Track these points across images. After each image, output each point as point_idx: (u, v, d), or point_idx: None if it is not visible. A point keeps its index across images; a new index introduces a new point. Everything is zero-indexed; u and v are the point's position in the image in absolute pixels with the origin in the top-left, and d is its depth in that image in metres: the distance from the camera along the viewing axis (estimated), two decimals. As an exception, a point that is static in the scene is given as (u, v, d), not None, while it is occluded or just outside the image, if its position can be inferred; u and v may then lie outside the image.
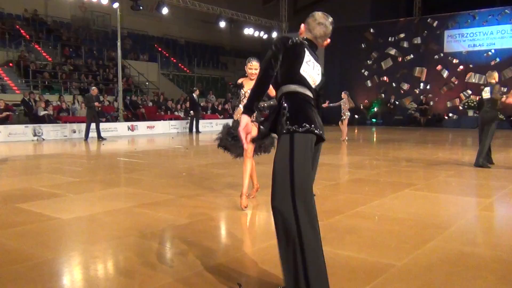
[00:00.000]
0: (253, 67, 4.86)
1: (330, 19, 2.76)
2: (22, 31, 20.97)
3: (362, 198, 5.43)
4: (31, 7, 22.07)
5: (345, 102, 13.59)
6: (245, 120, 2.49)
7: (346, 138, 13.68)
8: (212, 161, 9.10)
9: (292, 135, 2.45)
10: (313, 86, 2.64)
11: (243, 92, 4.91)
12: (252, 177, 5.24)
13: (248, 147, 4.56)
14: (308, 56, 2.61)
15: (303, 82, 2.59)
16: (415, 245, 3.58)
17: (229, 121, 5.36)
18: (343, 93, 13.83)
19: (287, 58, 2.55)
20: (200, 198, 5.53)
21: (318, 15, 2.74)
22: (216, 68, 28.78)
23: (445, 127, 20.82)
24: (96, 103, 14.36)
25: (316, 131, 2.50)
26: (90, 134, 14.38)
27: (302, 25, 2.78)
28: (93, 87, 15.04)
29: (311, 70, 2.61)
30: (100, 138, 14.36)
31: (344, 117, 13.68)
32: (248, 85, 4.88)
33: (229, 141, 5.11)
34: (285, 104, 2.53)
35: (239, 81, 5.05)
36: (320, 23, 2.71)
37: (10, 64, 18.85)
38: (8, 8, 21.33)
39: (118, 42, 17.76)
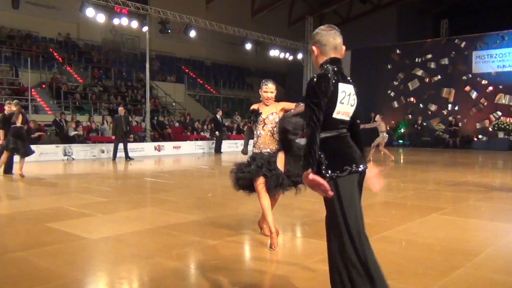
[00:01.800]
0: (269, 90, 4.45)
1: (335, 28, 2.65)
2: (55, 53, 21.72)
3: (388, 222, 5.35)
4: (64, 30, 22.88)
5: (380, 125, 13.73)
6: (311, 179, 2.34)
7: (392, 158, 14.01)
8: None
9: (336, 181, 2.42)
10: (347, 119, 2.54)
11: (262, 119, 4.42)
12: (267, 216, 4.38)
13: (259, 179, 4.28)
14: (342, 92, 2.48)
15: (336, 124, 2.50)
16: (444, 272, 3.50)
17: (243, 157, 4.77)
18: (377, 116, 13.97)
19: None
20: (225, 220, 5.55)
21: (321, 28, 2.63)
22: (241, 89, 29.09)
23: (474, 148, 20.38)
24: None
25: (359, 169, 2.49)
26: (118, 154, 14.64)
27: (315, 49, 2.60)
28: (120, 107, 15.38)
29: (345, 107, 2.49)
30: (127, 158, 14.61)
31: (381, 140, 13.91)
32: (265, 111, 4.45)
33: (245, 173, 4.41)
34: (321, 154, 2.44)
35: (254, 107, 4.57)
36: (329, 32, 2.58)
37: (43, 86, 19.49)
38: (43, 32, 22.16)
39: (147, 64, 18.18)
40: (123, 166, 13.07)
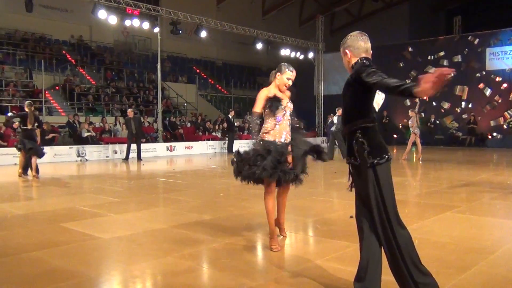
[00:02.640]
0: (293, 77, 4.26)
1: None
2: (68, 56, 21.95)
3: (402, 220, 5.30)
4: (77, 33, 23.11)
5: (413, 120, 13.67)
6: None
7: (421, 157, 13.85)
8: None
9: (375, 168, 2.70)
10: (377, 109, 2.84)
11: (282, 106, 4.17)
12: (280, 219, 4.58)
13: (271, 181, 4.15)
14: None
15: (372, 113, 2.75)
16: (458, 271, 3.47)
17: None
18: (410, 111, 13.95)
19: (363, 92, 2.69)
20: (237, 219, 5.56)
21: (353, 34, 2.89)
22: (253, 88, 29.07)
23: (488, 147, 20.14)
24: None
25: (391, 156, 2.78)
26: (131, 155, 14.76)
27: (348, 52, 2.83)
28: (129, 110, 15.51)
29: (377, 97, 2.81)
30: (140, 159, 14.72)
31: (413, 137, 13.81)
32: (283, 98, 4.24)
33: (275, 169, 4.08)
34: (363, 140, 2.71)
35: (268, 93, 4.22)
36: (361, 37, 2.84)
37: (57, 88, 19.71)
38: (56, 35, 22.41)
39: (158, 65, 18.28)
40: (136, 167, 13.16)
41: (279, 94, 4.23)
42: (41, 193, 8.35)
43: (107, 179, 10.14)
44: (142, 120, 18.53)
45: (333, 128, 14.73)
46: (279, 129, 4.19)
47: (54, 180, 10.00)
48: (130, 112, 14.96)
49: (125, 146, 15.11)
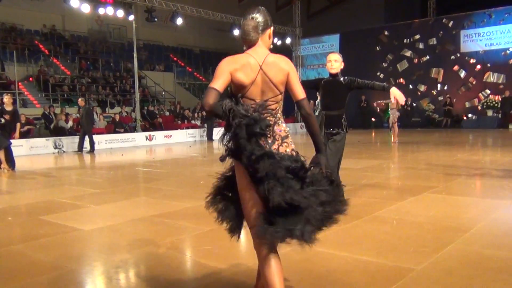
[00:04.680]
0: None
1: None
2: (41, 46, 21.46)
3: (380, 202, 5.41)
4: (49, 22, 22.59)
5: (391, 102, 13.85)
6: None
7: (397, 140, 13.94)
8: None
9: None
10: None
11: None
12: None
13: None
14: None
15: None
16: (435, 249, 3.56)
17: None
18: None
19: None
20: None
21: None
22: (231, 75, 28.99)
23: (464, 128, 20.55)
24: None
25: None
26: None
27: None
28: (79, 99, 15.02)
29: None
30: (80, 150, 14.45)
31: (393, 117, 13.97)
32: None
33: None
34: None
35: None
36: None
37: (30, 79, 19.28)
38: (27, 24, 21.85)
39: (134, 53, 18.04)
40: (116, 157, 13.03)
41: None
42: (19, 186, 8.21)
43: (86, 171, 10.04)
44: (121, 109, 18.28)
45: (316, 113, 14.75)
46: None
47: (32, 173, 9.84)
48: (80, 102, 14.60)
49: (102, 136, 14.93)
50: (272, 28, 2.54)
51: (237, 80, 2.40)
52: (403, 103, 5.36)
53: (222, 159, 2.39)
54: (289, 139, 2.46)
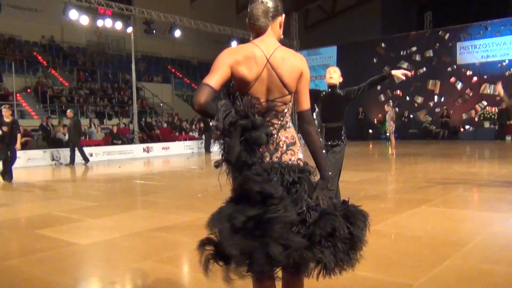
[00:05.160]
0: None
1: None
2: (39, 57, 21.52)
3: (378, 215, 5.39)
4: (48, 33, 22.65)
5: (390, 114, 13.92)
6: None
7: (395, 152, 13.88)
8: (227, 181, 9.13)
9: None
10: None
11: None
12: None
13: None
14: None
15: None
16: (432, 264, 3.55)
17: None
18: (386, 105, 14.18)
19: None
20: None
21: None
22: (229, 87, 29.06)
23: (461, 139, 20.61)
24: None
25: None
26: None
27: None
28: (68, 110, 14.67)
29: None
30: (72, 163, 14.23)
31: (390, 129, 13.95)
32: None
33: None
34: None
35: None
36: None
37: (28, 90, 19.30)
38: (26, 36, 21.92)
39: (133, 65, 18.09)
40: (113, 170, 13.00)
41: None
42: (16, 199, 8.18)
43: (83, 183, 10.01)
44: (118, 122, 18.28)
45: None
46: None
47: (29, 185, 9.80)
48: (69, 113, 14.29)
49: (100, 148, 14.89)
50: (283, 16, 2.20)
51: (238, 74, 2.07)
52: (411, 75, 5.34)
53: (217, 165, 2.03)
54: (296, 147, 2.15)
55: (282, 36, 2.22)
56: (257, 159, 1.93)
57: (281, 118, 2.14)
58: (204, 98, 1.94)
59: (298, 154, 2.14)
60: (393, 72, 4.93)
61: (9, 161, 10.03)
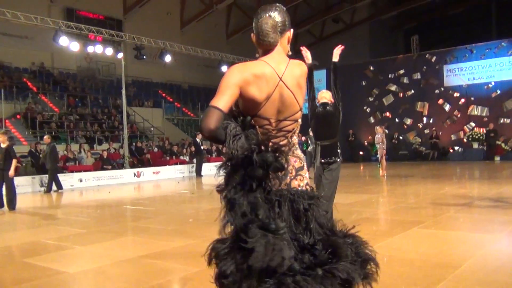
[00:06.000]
0: None
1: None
2: (29, 83, 21.47)
3: (370, 238, 5.31)
4: (38, 60, 22.68)
5: (381, 136, 14.05)
6: None
7: (385, 173, 13.90)
8: (218, 205, 9.07)
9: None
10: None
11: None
12: None
13: None
14: None
15: None
16: (426, 287, 3.53)
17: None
18: (378, 127, 14.36)
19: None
20: (207, 245, 5.49)
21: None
22: (219, 111, 29.17)
23: (450, 160, 20.76)
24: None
25: None
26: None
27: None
28: (45, 135, 14.36)
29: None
30: (57, 189, 13.95)
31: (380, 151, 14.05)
32: None
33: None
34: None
35: None
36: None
37: (18, 116, 19.19)
38: (16, 62, 21.93)
39: (123, 90, 18.11)
40: (103, 195, 12.87)
41: None
42: (3, 227, 8.02)
43: (72, 209, 9.88)
44: (109, 147, 18.17)
45: (310, 148, 14.74)
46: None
47: (17, 213, 9.65)
48: (46, 139, 13.99)
49: (89, 174, 14.75)
50: (291, 30, 2.10)
51: (248, 96, 1.92)
52: (340, 47, 5.61)
53: (219, 189, 1.99)
54: (303, 171, 2.05)
55: (290, 52, 2.11)
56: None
57: (290, 139, 2.03)
58: (215, 123, 1.80)
59: (305, 179, 2.06)
60: (333, 58, 5.45)
61: (7, 188, 9.82)
